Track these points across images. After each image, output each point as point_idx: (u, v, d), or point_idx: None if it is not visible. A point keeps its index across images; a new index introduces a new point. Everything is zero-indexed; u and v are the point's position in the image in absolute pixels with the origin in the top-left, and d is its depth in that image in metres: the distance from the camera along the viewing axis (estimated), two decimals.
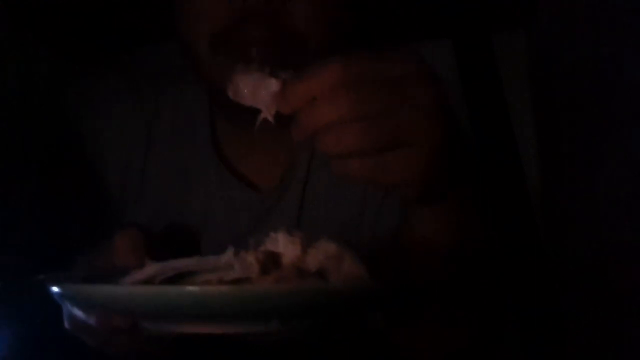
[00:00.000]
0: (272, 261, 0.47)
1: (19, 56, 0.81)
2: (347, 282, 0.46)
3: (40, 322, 0.62)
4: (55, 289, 0.47)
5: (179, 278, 0.48)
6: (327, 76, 0.44)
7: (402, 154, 0.44)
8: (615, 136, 0.84)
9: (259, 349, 0.71)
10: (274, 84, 0.47)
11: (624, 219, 0.81)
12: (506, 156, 1.18)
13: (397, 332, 0.65)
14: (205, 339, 0.55)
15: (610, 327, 0.88)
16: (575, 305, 1.07)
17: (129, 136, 0.72)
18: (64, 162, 0.72)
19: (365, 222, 0.73)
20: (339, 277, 0.47)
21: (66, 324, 0.53)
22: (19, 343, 0.63)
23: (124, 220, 0.72)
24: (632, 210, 0.79)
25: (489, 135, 1.18)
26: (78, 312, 0.48)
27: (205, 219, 0.71)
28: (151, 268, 0.48)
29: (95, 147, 0.72)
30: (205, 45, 0.62)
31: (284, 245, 0.47)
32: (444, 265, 0.57)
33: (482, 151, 1.17)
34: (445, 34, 1.21)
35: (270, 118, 0.48)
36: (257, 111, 0.50)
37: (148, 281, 0.48)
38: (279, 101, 0.46)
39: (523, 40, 1.27)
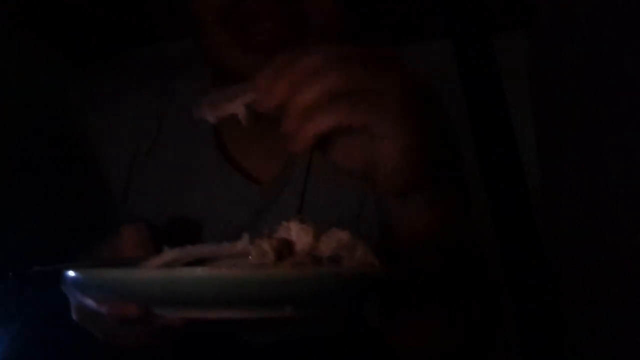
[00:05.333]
0: (286, 249, 0.48)
1: (20, 56, 0.81)
2: (362, 268, 0.47)
3: (40, 320, 0.62)
4: (70, 274, 0.47)
5: (195, 265, 0.48)
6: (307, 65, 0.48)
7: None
8: (616, 136, 0.84)
9: (261, 349, 0.71)
10: (248, 94, 0.52)
11: (624, 219, 0.81)
12: (506, 156, 1.18)
13: (395, 332, 0.65)
14: (208, 337, 0.55)
15: (610, 327, 0.88)
16: (575, 306, 1.07)
17: (132, 135, 0.73)
18: (66, 160, 0.72)
19: (365, 214, 0.74)
20: (353, 264, 0.47)
21: (74, 315, 0.53)
22: (20, 340, 0.63)
23: (125, 214, 0.72)
24: (631, 210, 0.79)
25: (489, 135, 1.18)
26: (88, 302, 0.48)
27: (207, 212, 0.71)
28: (169, 254, 0.48)
29: (99, 144, 0.72)
30: (212, 27, 0.63)
31: (296, 233, 0.48)
32: (432, 257, 0.58)
33: (482, 151, 1.17)
34: (445, 34, 1.21)
35: (244, 122, 0.52)
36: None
37: (166, 266, 0.48)
38: (263, 97, 0.50)
39: (523, 40, 1.27)
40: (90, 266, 0.49)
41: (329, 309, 0.49)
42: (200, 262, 0.49)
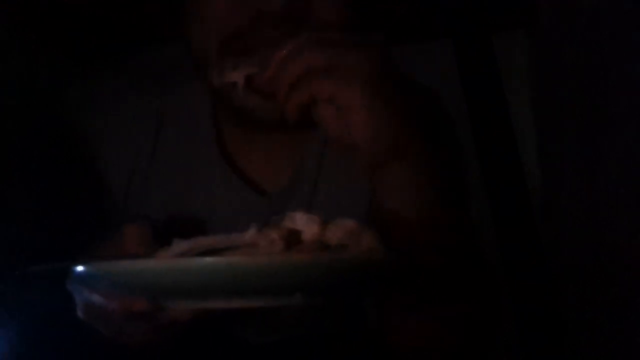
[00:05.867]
0: (293, 238, 0.48)
1: (20, 56, 0.81)
2: (368, 253, 0.48)
3: (41, 320, 0.62)
4: (80, 268, 0.47)
5: (204, 256, 0.49)
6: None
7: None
8: (615, 136, 0.84)
9: (261, 349, 0.71)
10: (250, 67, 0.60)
11: (624, 219, 0.81)
12: (506, 156, 1.18)
13: (395, 332, 0.65)
14: (209, 337, 0.55)
15: (610, 327, 0.88)
16: (575, 306, 1.07)
17: (132, 136, 0.72)
18: (66, 160, 0.72)
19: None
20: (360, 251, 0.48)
21: (80, 313, 0.53)
22: (20, 340, 0.63)
23: (126, 215, 0.72)
24: (631, 210, 0.79)
25: (489, 135, 1.18)
26: (96, 297, 0.49)
27: (208, 219, 0.71)
28: (178, 246, 0.49)
29: (99, 147, 0.72)
30: (215, 47, 0.63)
31: (303, 222, 0.49)
32: (431, 257, 0.58)
33: (482, 151, 1.17)
34: (445, 34, 1.21)
35: (241, 90, 0.60)
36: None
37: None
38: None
39: (523, 40, 1.27)
40: (100, 260, 0.49)
41: (337, 296, 0.50)
42: (209, 253, 0.49)
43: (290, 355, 0.72)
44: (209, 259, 0.45)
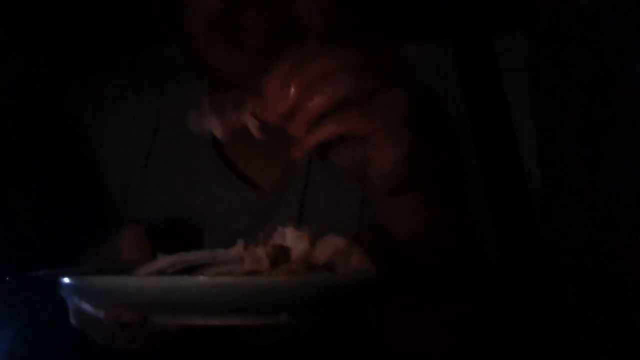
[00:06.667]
0: (281, 255, 0.47)
1: (20, 56, 0.81)
2: (356, 275, 0.47)
3: (40, 320, 0.62)
4: (66, 280, 0.47)
5: (189, 271, 0.48)
6: (326, 62, 0.48)
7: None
8: (616, 136, 0.84)
9: (261, 350, 0.71)
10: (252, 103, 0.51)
11: (624, 219, 0.81)
12: (506, 156, 1.18)
13: (395, 332, 0.65)
14: (208, 339, 0.55)
15: (610, 327, 0.88)
16: (575, 306, 1.07)
17: (132, 136, 0.73)
18: (66, 160, 0.72)
19: (365, 221, 0.73)
20: (348, 270, 0.47)
21: (72, 320, 0.53)
22: (19, 340, 0.63)
23: (125, 219, 0.72)
24: (631, 210, 0.79)
25: (489, 135, 1.18)
26: (86, 307, 0.49)
27: (207, 218, 0.71)
28: (163, 261, 0.48)
29: (98, 147, 0.72)
30: (201, 30, 0.63)
31: (292, 239, 0.48)
32: (431, 257, 0.58)
33: (482, 151, 1.17)
34: (445, 34, 1.21)
35: (257, 133, 0.52)
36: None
37: (160, 273, 0.48)
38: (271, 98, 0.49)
39: (523, 40, 1.27)
40: (86, 272, 0.48)
41: (324, 314, 0.49)
42: (194, 268, 0.49)
43: (290, 355, 0.72)
44: (183, 278, 0.44)
